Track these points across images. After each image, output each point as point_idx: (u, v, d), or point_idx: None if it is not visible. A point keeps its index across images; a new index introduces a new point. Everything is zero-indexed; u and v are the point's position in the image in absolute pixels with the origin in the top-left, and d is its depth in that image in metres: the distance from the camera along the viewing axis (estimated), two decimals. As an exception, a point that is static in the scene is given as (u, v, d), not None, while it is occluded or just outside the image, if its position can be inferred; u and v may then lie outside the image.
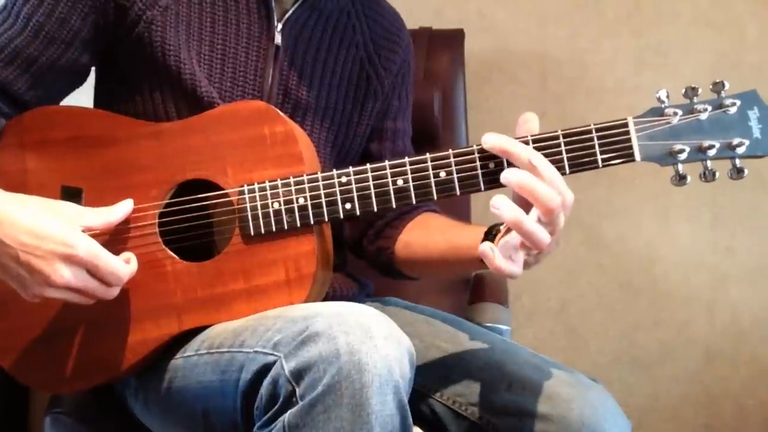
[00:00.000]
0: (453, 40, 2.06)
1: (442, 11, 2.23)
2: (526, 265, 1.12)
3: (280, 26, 1.31)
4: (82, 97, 1.34)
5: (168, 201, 1.21)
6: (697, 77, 2.18)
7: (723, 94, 1.09)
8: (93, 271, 1.11)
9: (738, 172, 1.09)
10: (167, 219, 1.21)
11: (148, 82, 1.25)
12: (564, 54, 2.24)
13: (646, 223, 2.25)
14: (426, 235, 1.35)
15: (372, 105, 1.41)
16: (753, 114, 1.08)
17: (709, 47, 2.20)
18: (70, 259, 1.09)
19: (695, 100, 1.09)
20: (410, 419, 1.04)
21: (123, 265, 1.13)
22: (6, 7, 1.24)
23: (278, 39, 1.31)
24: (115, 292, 1.14)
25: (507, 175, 1.07)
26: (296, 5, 1.32)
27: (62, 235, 1.10)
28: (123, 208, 1.17)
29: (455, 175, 1.13)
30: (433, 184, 1.14)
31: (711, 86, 1.10)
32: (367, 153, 1.43)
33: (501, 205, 1.05)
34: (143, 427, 1.30)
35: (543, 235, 1.06)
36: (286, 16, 1.31)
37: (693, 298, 2.27)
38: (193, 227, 1.21)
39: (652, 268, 2.27)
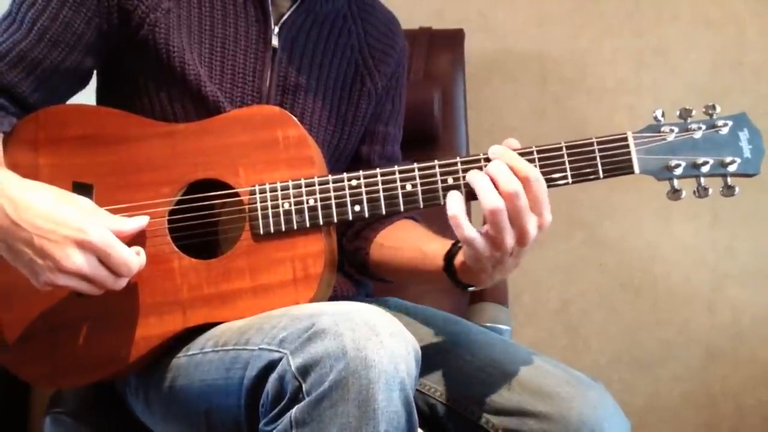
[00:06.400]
0: (453, 40, 2.07)
1: (442, 11, 2.24)
2: (484, 271, 1.14)
3: (276, 29, 1.32)
4: (83, 98, 1.34)
5: (179, 198, 1.22)
6: (696, 77, 2.20)
7: (714, 116, 1.14)
8: (104, 260, 1.11)
9: (729, 189, 1.13)
10: (177, 216, 1.22)
11: (153, 82, 1.26)
12: (564, 54, 2.24)
13: (647, 223, 2.26)
14: (399, 240, 1.36)
15: (366, 106, 1.41)
16: (743, 135, 1.14)
17: (709, 47, 2.20)
18: (82, 245, 1.10)
19: (689, 119, 1.14)
20: (416, 416, 1.04)
21: (134, 256, 1.13)
22: (11, 11, 1.25)
23: (275, 42, 1.31)
24: (123, 283, 1.14)
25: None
26: (292, 9, 1.33)
27: (77, 221, 1.10)
28: (137, 222, 1.17)
29: (462, 182, 1.14)
30: (440, 190, 1.15)
31: (703, 109, 1.14)
32: (357, 155, 1.44)
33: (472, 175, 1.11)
34: (144, 427, 1.30)
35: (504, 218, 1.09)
36: (283, 19, 1.32)
37: (693, 298, 2.27)
38: (203, 225, 1.22)
39: (652, 267, 2.28)
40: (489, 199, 1.09)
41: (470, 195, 1.12)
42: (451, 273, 1.21)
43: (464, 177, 1.14)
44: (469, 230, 1.10)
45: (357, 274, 1.43)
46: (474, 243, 1.10)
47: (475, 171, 1.12)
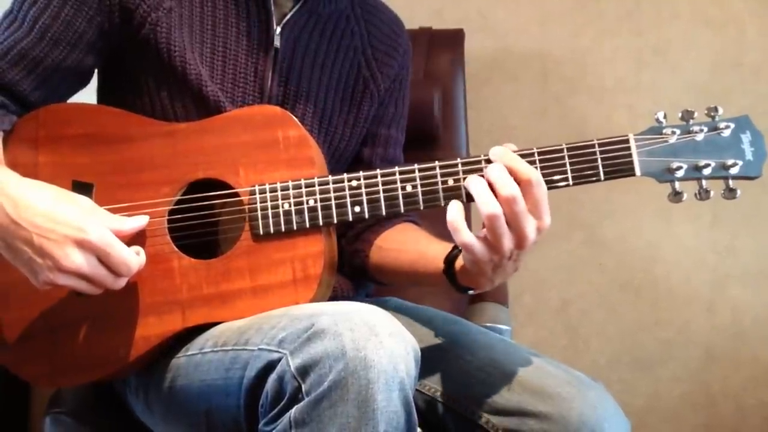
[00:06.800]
0: (453, 40, 2.07)
1: (442, 11, 2.24)
2: (483, 275, 1.14)
3: (278, 29, 1.31)
4: (84, 97, 1.34)
5: (179, 198, 1.22)
6: (696, 76, 2.20)
7: (717, 117, 1.14)
8: (104, 259, 1.12)
9: (731, 192, 1.13)
10: (177, 216, 1.22)
11: (154, 81, 1.27)
12: (564, 53, 2.24)
13: (647, 223, 2.26)
14: (399, 243, 1.36)
15: (368, 108, 1.41)
16: (746, 137, 1.13)
17: (708, 46, 2.20)
18: (82, 245, 1.10)
19: (691, 121, 1.14)
20: (415, 416, 1.04)
21: (134, 256, 1.14)
22: (12, 10, 1.26)
23: (277, 42, 1.31)
24: (122, 283, 1.15)
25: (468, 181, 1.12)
26: (295, 9, 1.33)
27: (77, 220, 1.11)
28: (136, 222, 1.18)
29: (462, 183, 1.14)
30: (440, 191, 1.15)
31: (705, 111, 1.14)
32: (358, 157, 1.44)
33: (470, 181, 1.10)
34: (144, 427, 1.30)
35: (501, 224, 1.08)
36: (285, 19, 1.32)
37: (694, 298, 2.27)
38: (202, 225, 1.22)
39: (652, 268, 2.27)
40: (487, 205, 1.08)
41: (470, 197, 1.12)
42: (450, 276, 1.21)
43: (464, 178, 1.14)
44: (466, 235, 1.09)
45: (351, 277, 1.42)
46: (472, 248, 1.10)
47: (474, 176, 1.11)
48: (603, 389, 1.20)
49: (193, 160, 1.22)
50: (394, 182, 1.17)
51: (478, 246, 1.10)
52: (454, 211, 1.10)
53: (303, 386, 1.01)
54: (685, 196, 1.13)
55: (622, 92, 2.23)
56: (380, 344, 1.01)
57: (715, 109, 1.13)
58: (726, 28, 2.20)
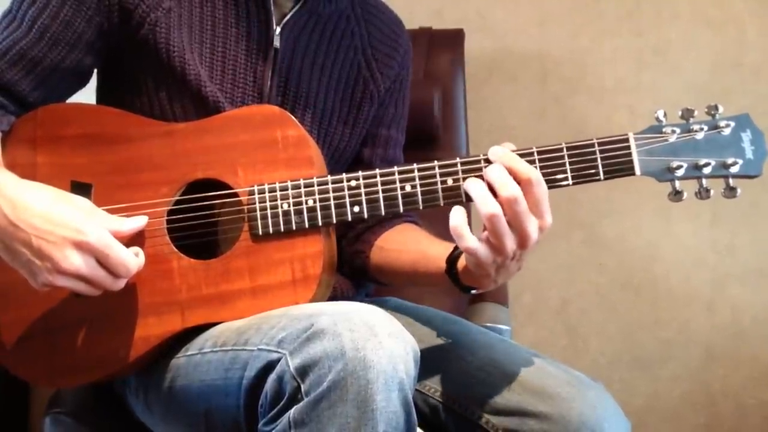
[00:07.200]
0: (453, 40, 2.07)
1: (442, 11, 2.24)
2: (487, 276, 1.14)
3: (278, 30, 1.31)
4: (83, 97, 1.34)
5: (178, 198, 1.22)
6: (696, 77, 2.20)
7: (717, 116, 1.13)
8: (103, 261, 1.12)
9: (731, 191, 1.13)
10: (176, 216, 1.22)
11: (153, 82, 1.27)
12: (564, 54, 2.24)
13: (647, 223, 2.26)
14: (400, 243, 1.36)
15: (368, 109, 1.41)
16: (746, 136, 1.13)
17: (708, 47, 2.20)
18: (81, 246, 1.10)
19: (691, 120, 1.13)
20: (414, 416, 1.04)
21: (132, 257, 1.14)
22: (11, 9, 1.26)
23: (277, 42, 1.31)
24: (121, 284, 1.15)
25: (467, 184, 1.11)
26: (294, 9, 1.33)
27: (75, 222, 1.11)
28: (135, 223, 1.18)
29: (462, 183, 1.14)
30: (440, 191, 1.15)
31: (705, 109, 1.14)
32: (358, 158, 1.44)
33: (469, 183, 1.10)
34: (143, 427, 1.30)
35: (503, 224, 1.08)
36: (285, 19, 1.32)
37: (693, 298, 2.27)
38: (201, 225, 1.22)
39: (652, 267, 2.27)
40: (487, 207, 1.08)
41: (470, 197, 1.12)
42: (453, 276, 1.21)
43: (464, 178, 1.13)
44: (470, 241, 1.09)
45: (350, 277, 1.42)
46: (476, 252, 1.10)
47: (473, 179, 1.11)
48: (603, 389, 1.20)
49: (192, 160, 1.22)
50: (393, 182, 1.17)
51: (482, 250, 1.10)
52: (458, 217, 1.09)
53: (302, 386, 1.01)
54: (685, 195, 1.13)
55: (622, 92, 2.23)
56: (379, 344, 1.01)
57: (716, 108, 1.13)
58: (726, 28, 2.20)
